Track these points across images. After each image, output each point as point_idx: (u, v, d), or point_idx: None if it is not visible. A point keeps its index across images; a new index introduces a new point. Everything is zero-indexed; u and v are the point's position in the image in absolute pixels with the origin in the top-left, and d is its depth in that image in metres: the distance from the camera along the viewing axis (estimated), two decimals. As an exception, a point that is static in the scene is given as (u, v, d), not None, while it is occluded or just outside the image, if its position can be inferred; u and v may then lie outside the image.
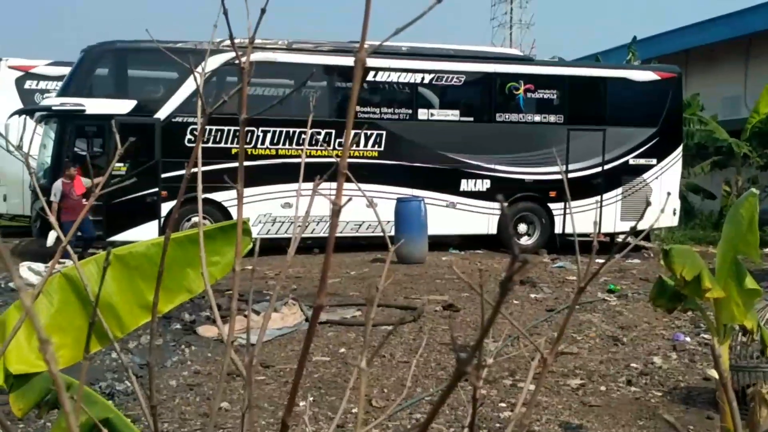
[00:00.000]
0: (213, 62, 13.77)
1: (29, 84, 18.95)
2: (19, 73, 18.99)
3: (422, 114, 16.53)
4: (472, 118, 16.84)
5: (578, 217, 16.72)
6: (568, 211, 16.78)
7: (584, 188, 16.74)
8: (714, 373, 6.65)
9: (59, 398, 0.63)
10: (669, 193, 16.85)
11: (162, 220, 14.56)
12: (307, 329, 0.95)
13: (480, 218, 16.67)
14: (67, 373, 2.89)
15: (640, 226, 12.30)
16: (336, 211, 0.85)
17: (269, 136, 15.27)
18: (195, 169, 1.57)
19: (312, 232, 14.95)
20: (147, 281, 2.78)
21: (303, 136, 15.31)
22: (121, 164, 14.42)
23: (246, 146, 14.89)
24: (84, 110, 14.26)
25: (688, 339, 8.81)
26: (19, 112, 15.38)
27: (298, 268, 13.20)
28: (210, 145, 14.39)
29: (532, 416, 6.12)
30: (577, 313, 9.91)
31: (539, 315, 10.10)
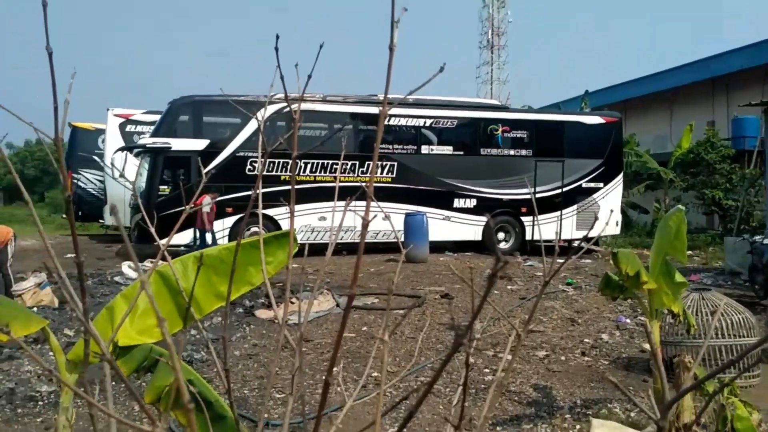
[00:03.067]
0: (268, 111, 13.89)
1: (129, 128, 19.10)
2: (121, 120, 19.16)
3: (425, 149, 16.56)
4: (462, 152, 16.84)
5: (544, 227, 16.70)
6: (535, 222, 16.77)
7: (548, 205, 16.77)
8: (648, 347, 6.62)
9: (171, 359, 0.65)
10: (612, 210, 16.79)
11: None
12: (343, 311, 0.96)
13: (469, 228, 16.67)
14: (160, 346, 2.92)
15: (590, 235, 12.29)
16: (365, 225, 0.87)
17: (309, 166, 15.34)
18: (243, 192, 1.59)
19: (341, 239, 14.98)
20: (219, 276, 2.81)
21: (335, 166, 15.40)
22: (165, 187, 14.57)
23: (291, 174, 14.96)
24: (170, 147, 14.39)
25: (628, 320, 8.76)
26: (122, 149, 15.55)
27: (331, 266, 13.21)
28: (264, 173, 14.46)
29: (510, 379, 6.10)
30: (543, 301, 9.87)
31: (514, 302, 10.07)
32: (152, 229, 1.36)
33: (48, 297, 9.19)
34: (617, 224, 17.50)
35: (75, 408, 3.03)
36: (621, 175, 17.82)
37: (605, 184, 17.41)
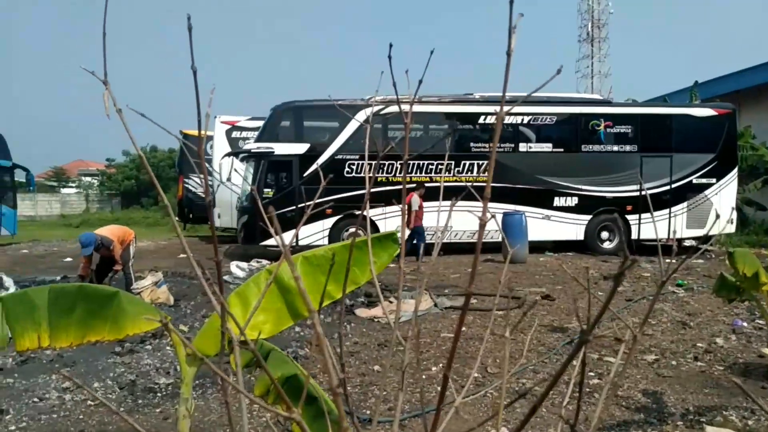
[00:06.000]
0: (363, 115, 14.12)
1: (235, 134, 19.96)
2: (227, 126, 20.06)
3: (522, 147, 16.28)
4: (562, 149, 16.43)
5: (652, 226, 16.03)
6: (645, 220, 16.09)
7: (656, 202, 16.06)
8: (769, 352, 6.20)
9: (320, 343, 0.71)
10: (733, 208, 15.84)
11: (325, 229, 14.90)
12: (461, 311, 0.99)
13: (570, 227, 16.26)
14: (270, 341, 3.05)
15: (705, 233, 11.65)
16: (482, 225, 0.89)
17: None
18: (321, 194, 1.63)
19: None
20: (325, 275, 2.92)
21: (430, 166, 15.45)
22: (269, 189, 15.03)
23: (388, 175, 15.13)
24: (273, 152, 14.93)
25: (745, 324, 8.24)
26: (228, 154, 16.31)
27: (427, 266, 13.23)
28: (360, 174, 14.70)
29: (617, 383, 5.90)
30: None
31: (620, 304, 9.70)
32: (272, 230, 1.44)
33: (164, 295, 9.79)
34: (732, 222, 16.54)
35: (194, 400, 3.22)
36: (735, 169, 16.78)
37: (718, 180, 16.46)
